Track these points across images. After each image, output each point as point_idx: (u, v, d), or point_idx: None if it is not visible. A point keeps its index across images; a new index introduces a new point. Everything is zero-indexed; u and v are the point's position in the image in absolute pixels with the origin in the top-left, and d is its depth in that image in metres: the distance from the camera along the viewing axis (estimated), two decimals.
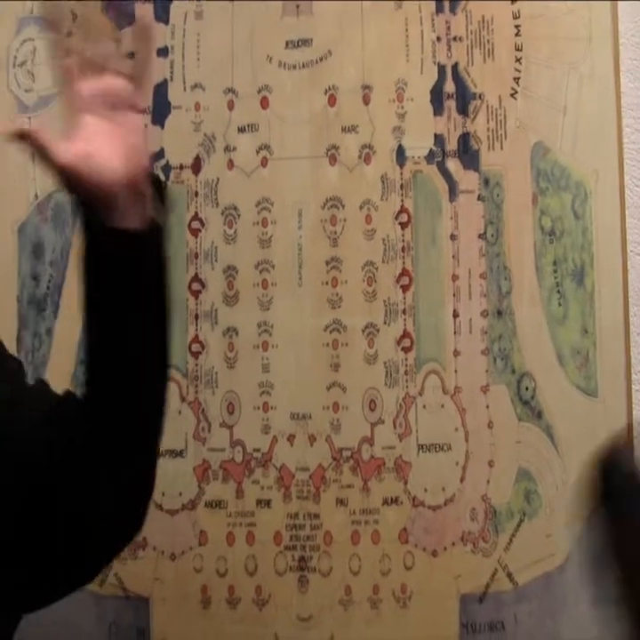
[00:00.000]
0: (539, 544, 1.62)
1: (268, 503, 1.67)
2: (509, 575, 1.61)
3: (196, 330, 1.75)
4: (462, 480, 1.61)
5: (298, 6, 1.66)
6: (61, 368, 1.83)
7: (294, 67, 1.67)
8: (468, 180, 1.65)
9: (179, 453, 1.73)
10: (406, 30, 1.63)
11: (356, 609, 1.61)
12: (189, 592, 1.71)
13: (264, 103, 1.70)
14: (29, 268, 1.89)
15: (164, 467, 1.64)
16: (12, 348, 1.80)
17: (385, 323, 1.62)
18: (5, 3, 1.94)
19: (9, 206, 1.92)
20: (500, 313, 1.63)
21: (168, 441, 1.66)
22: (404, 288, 1.62)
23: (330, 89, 1.66)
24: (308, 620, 1.64)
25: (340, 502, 1.63)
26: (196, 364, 1.74)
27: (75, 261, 1.74)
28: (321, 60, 1.64)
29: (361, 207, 1.64)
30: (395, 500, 1.60)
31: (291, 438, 1.67)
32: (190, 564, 1.71)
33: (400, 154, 1.62)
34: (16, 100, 1.93)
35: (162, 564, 1.73)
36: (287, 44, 1.68)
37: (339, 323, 1.65)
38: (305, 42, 1.66)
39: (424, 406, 1.59)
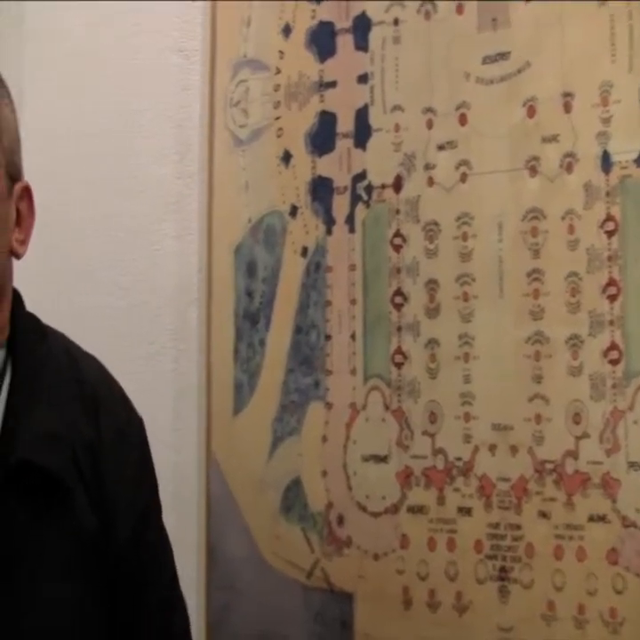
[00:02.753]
0: None
1: (468, 511, 1.39)
2: None
3: (399, 341, 1.49)
4: None
5: (494, 19, 1.32)
6: (273, 376, 1.68)
7: (492, 81, 1.36)
8: None
9: (382, 459, 1.50)
10: (612, 28, 1.27)
11: (560, 626, 1.29)
12: (391, 592, 1.47)
13: (462, 120, 1.40)
14: (244, 285, 1.75)
15: (369, 470, 1.50)
16: (229, 357, 1.74)
17: (590, 334, 1.29)
18: (222, 51, 1.82)
19: (227, 230, 1.79)
20: None
21: (373, 446, 1.51)
22: (611, 298, 1.28)
23: (529, 100, 1.35)
24: (508, 631, 1.34)
25: (543, 515, 1.32)
26: (399, 375, 1.49)
27: (285, 278, 1.66)
28: (519, 72, 1.33)
29: (563, 217, 1.31)
30: (602, 518, 1.27)
31: (492, 448, 1.37)
32: (392, 565, 1.47)
33: (605, 160, 1.29)
34: (232, 135, 1.80)
35: (365, 563, 1.51)
36: (484, 59, 1.38)
37: (541, 334, 1.33)
38: (502, 55, 1.35)
39: (635, 422, 1.24)
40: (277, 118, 1.70)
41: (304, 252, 1.64)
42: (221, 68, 1.81)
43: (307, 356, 1.62)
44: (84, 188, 1.83)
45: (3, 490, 0.93)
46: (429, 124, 1.45)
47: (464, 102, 1.40)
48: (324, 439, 1.58)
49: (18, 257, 1.06)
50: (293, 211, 1.66)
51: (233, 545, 1.68)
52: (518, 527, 1.32)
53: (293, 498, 1.60)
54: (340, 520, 1.54)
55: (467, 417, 1.39)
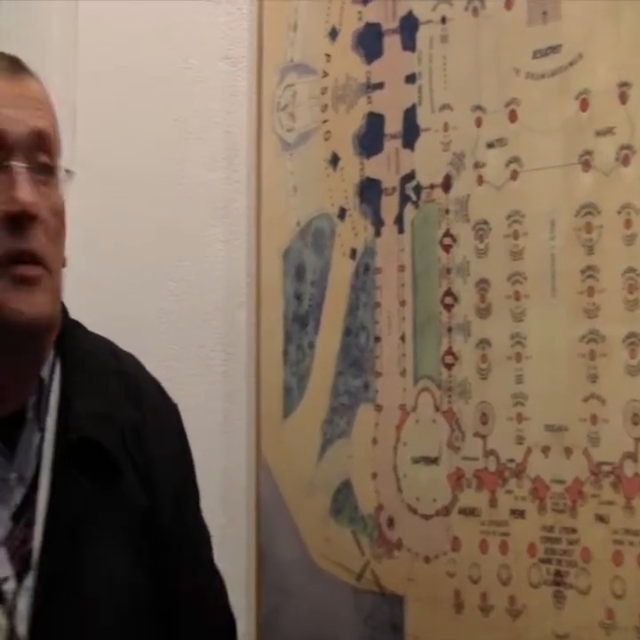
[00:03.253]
0: None
1: (521, 514, 1.30)
2: None
3: (450, 342, 1.42)
4: None
5: (545, 12, 1.24)
6: (322, 378, 1.62)
7: (543, 76, 1.28)
8: None
9: (433, 460, 1.42)
10: None
11: (620, 635, 1.20)
12: (442, 595, 1.39)
13: (512, 116, 1.32)
14: (293, 288, 1.70)
15: (419, 472, 1.43)
16: (279, 360, 1.69)
17: None
18: (268, 56, 1.77)
19: (276, 234, 1.74)
20: None
21: (423, 448, 1.43)
22: None
23: (582, 93, 1.26)
24: (564, 638, 1.25)
25: (600, 519, 1.23)
26: (450, 375, 1.41)
27: (334, 281, 1.60)
28: (571, 64, 1.25)
29: (619, 212, 1.23)
30: None
31: (545, 450, 1.28)
32: (443, 568, 1.39)
33: None
34: (279, 139, 1.74)
35: (416, 566, 1.43)
36: (534, 53, 1.29)
37: (596, 333, 1.24)
38: (553, 48, 1.27)
39: None
40: (325, 121, 1.64)
41: (353, 254, 1.57)
42: (268, 73, 1.77)
43: (356, 358, 1.56)
44: (135, 196, 1.78)
45: (65, 464, 0.96)
46: (478, 122, 1.37)
47: (514, 98, 1.32)
48: (374, 441, 1.51)
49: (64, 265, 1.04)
50: (342, 213, 1.60)
51: (283, 548, 1.63)
52: (574, 531, 1.24)
53: (343, 500, 1.54)
54: (391, 522, 1.47)
55: (519, 418, 1.31)
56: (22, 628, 0.94)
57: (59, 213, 0.99)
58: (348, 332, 1.57)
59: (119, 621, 0.97)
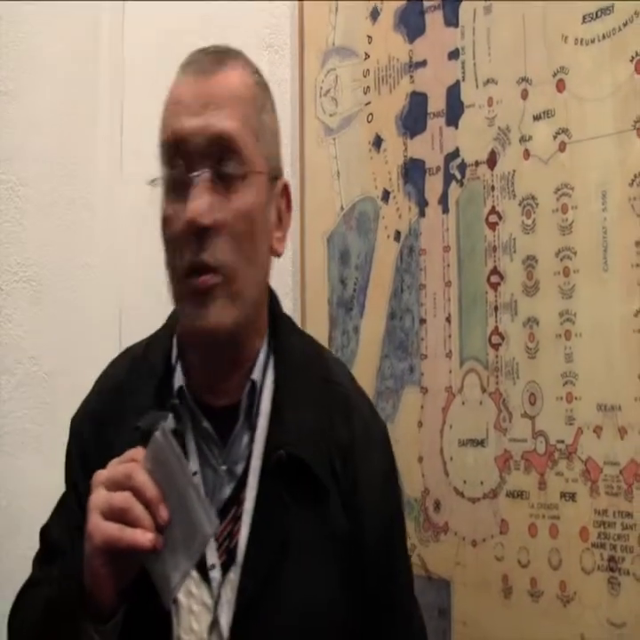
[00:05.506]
0: None
1: (572, 496, 1.18)
2: None
3: (496, 322, 1.30)
4: None
5: None
6: (368, 362, 1.51)
7: (593, 41, 1.15)
8: None
9: (480, 443, 1.30)
10: None
11: None
12: (490, 579, 1.28)
13: (560, 86, 1.20)
14: (337, 272, 1.59)
15: (466, 455, 1.32)
16: (324, 345, 1.52)
17: None
18: (310, 42, 1.68)
19: (320, 219, 1.64)
20: None
21: (470, 430, 1.31)
22: None
23: (637, 55, 1.11)
24: (620, 627, 1.12)
25: None
26: (497, 356, 1.29)
27: (378, 264, 1.50)
28: (624, 25, 1.11)
29: None
30: None
31: (597, 430, 1.15)
32: (491, 552, 1.28)
33: None
34: (322, 125, 1.65)
35: (463, 550, 1.32)
36: (584, 18, 1.15)
37: None
38: (604, 11, 1.12)
39: None
40: (367, 103, 1.53)
41: (397, 236, 1.46)
42: (310, 59, 1.67)
43: (401, 340, 1.44)
44: None
45: (273, 473, 0.92)
46: (524, 95, 1.25)
47: (561, 67, 1.20)
48: (420, 424, 1.39)
49: (278, 255, 0.98)
50: (385, 195, 1.48)
51: None
52: (629, 515, 1.11)
53: None
54: (437, 506, 1.36)
55: (569, 397, 1.18)
56: (225, 620, 0.90)
57: (246, 215, 0.92)
58: (392, 315, 1.46)
59: (316, 633, 0.92)
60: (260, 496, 0.92)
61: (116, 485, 0.85)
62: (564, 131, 1.19)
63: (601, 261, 1.14)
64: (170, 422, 0.86)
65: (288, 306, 1.71)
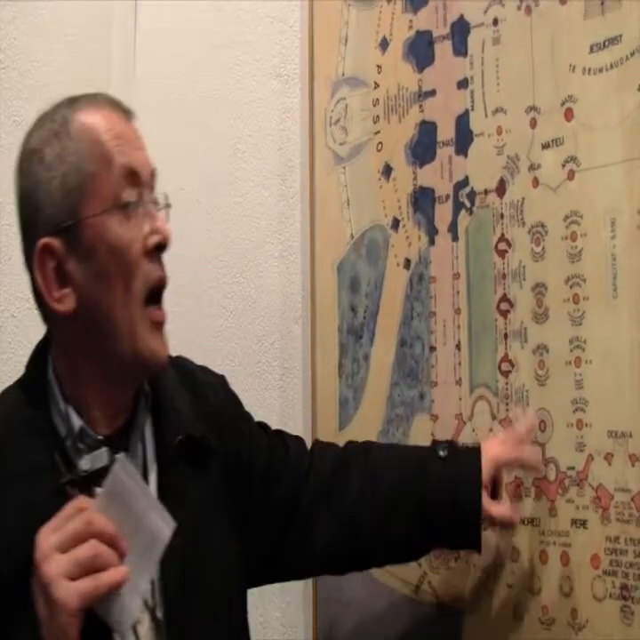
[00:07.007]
0: None
1: (583, 523, 1.17)
2: None
3: (506, 349, 1.30)
4: None
5: (603, 3, 1.12)
6: (378, 390, 1.52)
7: (601, 70, 1.17)
8: None
9: None
10: None
11: None
12: (501, 607, 1.27)
13: (568, 115, 1.21)
14: (347, 300, 1.60)
15: None
16: (334, 373, 1.61)
17: None
18: (320, 71, 1.68)
19: (330, 247, 1.65)
20: None
21: None
22: None
23: None
24: None
25: None
26: (507, 383, 1.30)
27: (388, 291, 1.51)
28: (631, 55, 1.12)
29: None
30: None
31: (608, 457, 1.15)
32: (502, 579, 1.27)
33: None
34: (332, 153, 1.66)
35: (474, 577, 1.32)
36: (591, 48, 1.16)
37: None
38: (612, 40, 1.13)
39: None
40: (377, 132, 1.54)
41: (407, 264, 1.46)
42: (320, 89, 1.68)
43: (411, 368, 1.44)
44: (191, 216, 1.70)
45: (176, 460, 1.05)
46: (533, 124, 1.26)
47: (570, 96, 1.21)
48: None
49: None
50: (395, 223, 1.49)
51: None
52: None
53: None
54: None
55: (579, 424, 1.18)
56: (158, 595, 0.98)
57: None
58: (402, 343, 1.46)
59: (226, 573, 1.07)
60: (161, 476, 1.02)
61: (73, 541, 0.86)
62: (573, 159, 1.20)
63: (610, 288, 1.14)
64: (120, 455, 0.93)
65: (298, 333, 1.72)
